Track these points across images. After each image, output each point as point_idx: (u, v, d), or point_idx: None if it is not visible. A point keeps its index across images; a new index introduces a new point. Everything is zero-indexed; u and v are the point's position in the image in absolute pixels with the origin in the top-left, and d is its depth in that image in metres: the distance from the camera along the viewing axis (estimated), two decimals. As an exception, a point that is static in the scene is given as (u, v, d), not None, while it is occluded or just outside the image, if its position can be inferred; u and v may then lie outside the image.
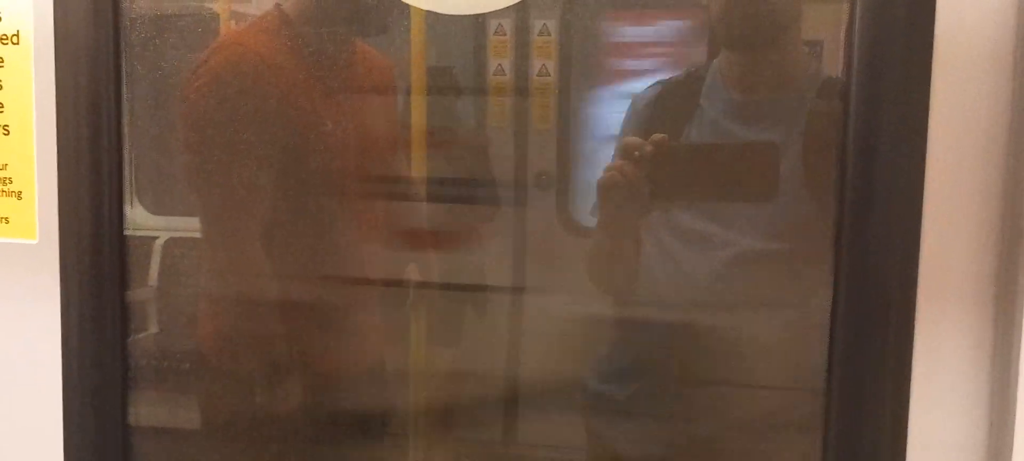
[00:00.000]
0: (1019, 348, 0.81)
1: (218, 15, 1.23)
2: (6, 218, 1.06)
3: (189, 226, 1.25)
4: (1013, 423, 0.81)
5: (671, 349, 1.19)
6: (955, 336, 0.87)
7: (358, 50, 1.22)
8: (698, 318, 1.16)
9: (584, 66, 1.24)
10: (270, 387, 1.24)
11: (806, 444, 0.93)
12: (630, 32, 1.10)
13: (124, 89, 1.03)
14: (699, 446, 1.18)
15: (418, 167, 1.21)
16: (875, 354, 0.86)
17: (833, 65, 0.95)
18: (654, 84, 1.15)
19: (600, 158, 1.13)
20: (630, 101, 1.15)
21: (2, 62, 1.04)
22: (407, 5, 1.06)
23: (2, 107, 1.05)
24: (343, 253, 1.25)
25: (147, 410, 1.11)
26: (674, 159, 1.12)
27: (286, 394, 1.24)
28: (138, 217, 1.10)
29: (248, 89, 1.17)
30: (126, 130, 1.03)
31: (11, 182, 1.06)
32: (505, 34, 1.23)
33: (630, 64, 1.16)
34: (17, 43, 1.04)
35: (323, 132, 1.19)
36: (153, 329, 1.21)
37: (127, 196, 1.05)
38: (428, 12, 1.03)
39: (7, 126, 1.05)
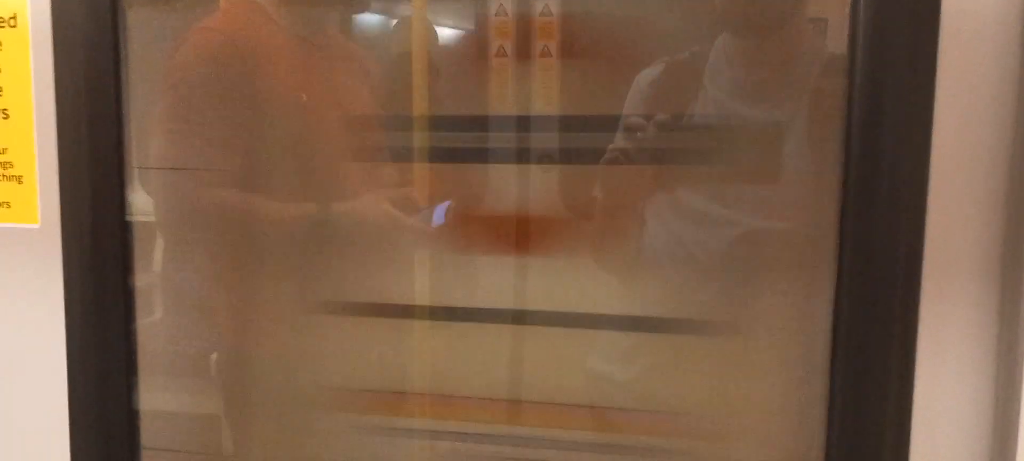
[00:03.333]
0: (1026, 324, 0.81)
1: (217, -4, 1.22)
2: (7, 203, 1.06)
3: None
4: (1019, 398, 0.82)
5: (674, 329, 1.19)
6: (961, 312, 0.86)
7: (332, 36, 1.24)
8: (702, 297, 1.16)
9: (586, 46, 1.24)
10: None
11: (811, 421, 0.93)
12: (633, 12, 1.09)
13: (123, 71, 1.02)
14: (703, 425, 1.19)
15: (420, 142, 1.21)
16: (880, 331, 0.86)
17: (838, 42, 0.95)
18: (657, 63, 1.14)
19: (603, 138, 1.13)
20: (634, 81, 1.15)
21: (0, 45, 1.03)
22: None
23: (1, 91, 1.04)
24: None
25: (153, 395, 1.11)
26: (677, 139, 1.11)
27: None
28: (140, 202, 1.09)
29: (219, 72, 1.18)
30: (126, 113, 1.03)
31: (12, 167, 1.05)
32: (507, 14, 1.22)
33: (633, 44, 1.16)
34: (14, 26, 1.03)
35: (294, 115, 1.21)
36: (157, 314, 1.20)
37: (128, 181, 1.04)
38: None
39: (6, 110, 1.04)
